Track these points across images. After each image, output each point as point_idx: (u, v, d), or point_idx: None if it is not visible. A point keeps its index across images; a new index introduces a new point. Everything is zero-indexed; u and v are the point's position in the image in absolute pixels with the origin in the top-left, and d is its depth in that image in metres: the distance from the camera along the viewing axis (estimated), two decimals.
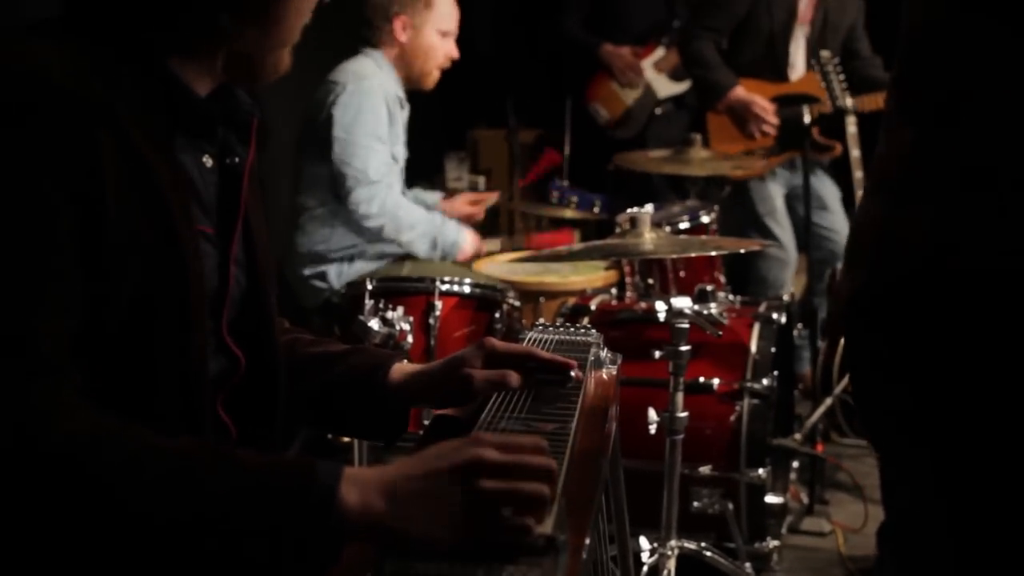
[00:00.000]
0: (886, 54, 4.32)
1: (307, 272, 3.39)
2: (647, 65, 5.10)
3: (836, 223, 4.32)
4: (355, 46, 3.47)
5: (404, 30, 3.39)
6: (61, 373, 1.09)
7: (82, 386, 1.11)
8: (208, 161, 1.31)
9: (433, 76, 3.50)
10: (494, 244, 3.85)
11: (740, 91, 4.10)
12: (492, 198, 3.80)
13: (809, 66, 4.20)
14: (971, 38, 1.31)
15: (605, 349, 1.63)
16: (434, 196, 3.78)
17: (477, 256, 3.54)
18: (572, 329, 1.70)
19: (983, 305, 1.28)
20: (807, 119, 3.90)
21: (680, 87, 5.07)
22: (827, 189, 4.34)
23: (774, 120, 4.07)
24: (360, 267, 3.37)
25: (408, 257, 3.40)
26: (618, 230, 3.13)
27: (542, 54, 5.76)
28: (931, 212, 1.32)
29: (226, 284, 1.32)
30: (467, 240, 3.45)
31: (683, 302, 2.30)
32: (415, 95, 3.56)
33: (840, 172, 4.08)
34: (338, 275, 3.36)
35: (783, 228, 4.27)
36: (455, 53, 3.50)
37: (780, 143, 4.17)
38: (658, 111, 5.17)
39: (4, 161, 1.09)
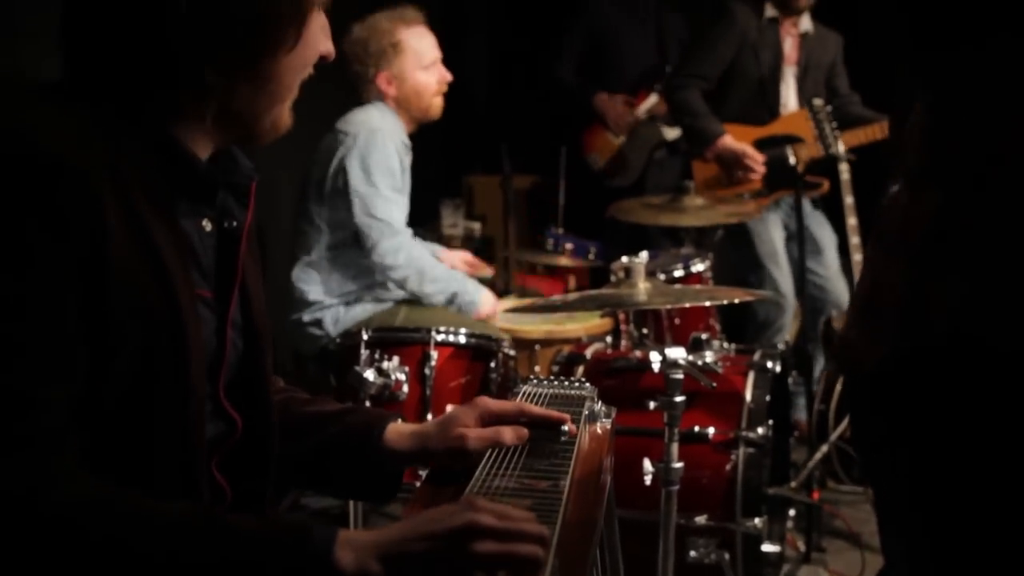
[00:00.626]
0: (861, 91, 4.42)
1: (304, 319, 3.40)
2: (641, 112, 5.14)
3: (831, 269, 4.36)
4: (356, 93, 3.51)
5: (389, 84, 3.42)
6: (61, 441, 1.10)
7: (81, 450, 1.12)
8: (207, 225, 1.32)
9: (435, 106, 3.52)
10: (487, 270, 3.83)
11: (728, 139, 4.17)
12: (486, 272, 3.80)
13: (801, 106, 4.26)
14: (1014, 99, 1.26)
15: (599, 402, 1.64)
16: (432, 247, 3.79)
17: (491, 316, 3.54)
18: (566, 383, 1.70)
19: (1009, 387, 1.24)
20: (791, 160, 3.95)
21: (674, 133, 5.11)
22: (824, 233, 4.38)
23: (762, 169, 4.13)
24: (356, 313, 3.38)
25: (404, 303, 3.42)
26: (613, 278, 3.15)
27: (537, 100, 5.81)
28: (962, 286, 1.26)
29: (223, 348, 1.33)
30: (485, 301, 3.45)
31: (677, 352, 2.30)
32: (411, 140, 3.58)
33: (836, 216, 4.11)
34: (334, 321, 3.37)
35: (782, 271, 4.30)
36: (447, 76, 3.52)
37: (768, 184, 4.22)
38: (657, 155, 5.20)
39: (8, 226, 1.10)
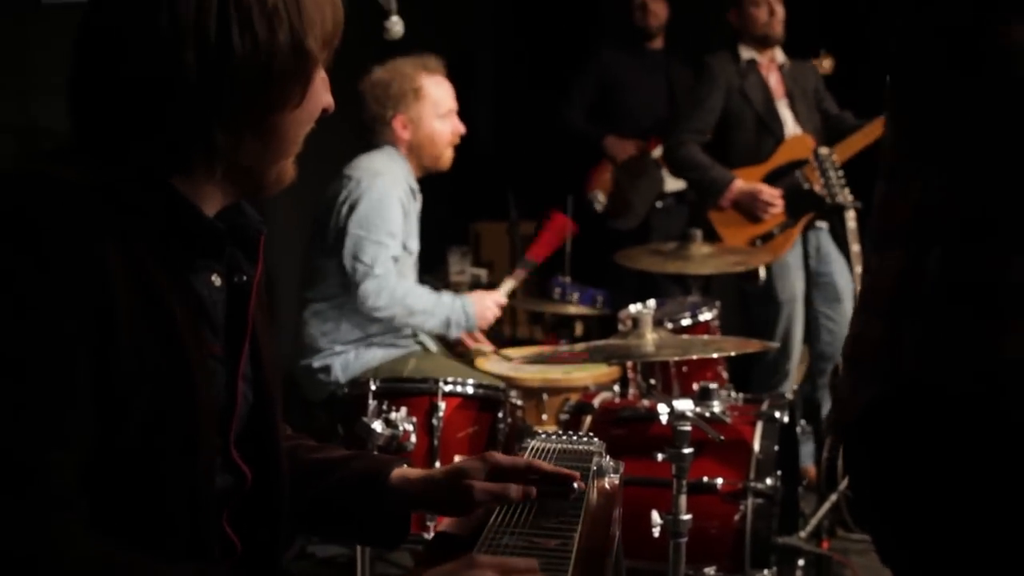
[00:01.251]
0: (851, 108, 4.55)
1: (313, 364, 3.41)
2: (649, 159, 5.16)
3: (845, 318, 4.37)
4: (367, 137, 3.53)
5: (404, 128, 3.46)
6: (69, 505, 1.10)
7: (89, 509, 1.12)
8: (217, 280, 1.33)
9: (446, 156, 3.55)
10: (509, 284, 3.81)
11: (740, 183, 4.23)
12: (487, 347, 3.80)
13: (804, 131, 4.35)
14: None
15: (607, 457, 1.64)
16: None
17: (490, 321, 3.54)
18: (574, 437, 1.70)
19: (965, 429, 1.31)
20: (805, 184, 4.02)
21: (681, 183, 5.13)
22: (844, 283, 4.41)
23: (780, 201, 4.18)
24: (366, 360, 3.39)
25: (414, 353, 3.42)
26: (621, 327, 3.16)
27: (545, 144, 5.84)
28: (919, 330, 1.36)
29: (234, 401, 1.34)
30: (481, 313, 3.47)
31: (685, 404, 2.31)
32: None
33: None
34: (343, 368, 3.38)
35: (797, 316, 4.34)
36: (461, 128, 3.55)
37: (792, 214, 4.25)
38: (659, 204, 5.22)
39: (14, 285, 1.11)
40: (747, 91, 4.36)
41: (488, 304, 3.52)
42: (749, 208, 4.27)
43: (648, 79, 5.21)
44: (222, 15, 1.20)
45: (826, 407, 4.09)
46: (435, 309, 3.38)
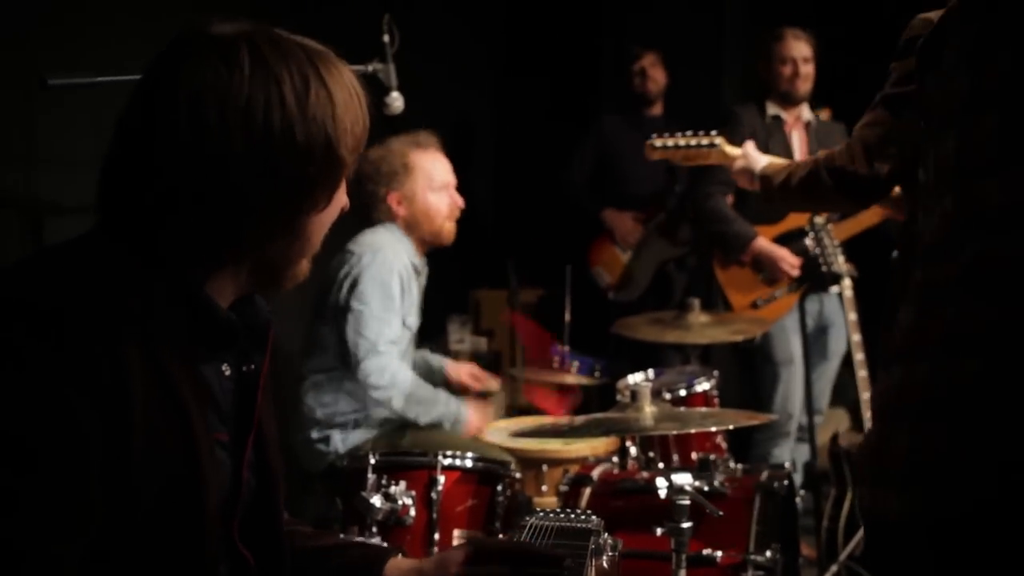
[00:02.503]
0: None
1: (312, 435, 3.41)
2: (649, 229, 5.19)
3: (823, 379, 4.43)
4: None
5: (399, 204, 3.49)
6: None
7: None
8: (227, 370, 1.35)
9: (447, 230, 3.57)
10: (493, 384, 3.83)
11: (762, 241, 4.30)
12: (493, 386, 3.82)
13: None
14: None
15: (605, 534, 1.64)
16: (439, 360, 3.82)
17: (480, 431, 3.55)
18: (572, 515, 1.71)
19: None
20: (812, 251, 4.06)
21: (679, 251, 5.16)
22: (837, 344, 4.44)
23: (797, 268, 4.22)
24: (364, 432, 3.39)
25: (412, 424, 3.42)
26: (619, 397, 3.17)
27: (545, 210, 5.88)
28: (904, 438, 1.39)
29: (238, 489, 1.35)
30: (471, 420, 3.47)
31: (683, 478, 2.31)
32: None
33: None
34: (343, 440, 3.38)
35: (796, 380, 4.36)
36: (460, 201, 3.58)
37: (799, 279, 4.28)
38: (662, 270, 5.25)
39: (27, 375, 1.12)
40: (769, 148, 4.35)
41: (482, 416, 3.53)
42: (767, 268, 4.31)
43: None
44: (267, 119, 1.24)
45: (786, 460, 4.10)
46: (433, 405, 3.39)
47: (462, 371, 3.80)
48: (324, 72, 1.29)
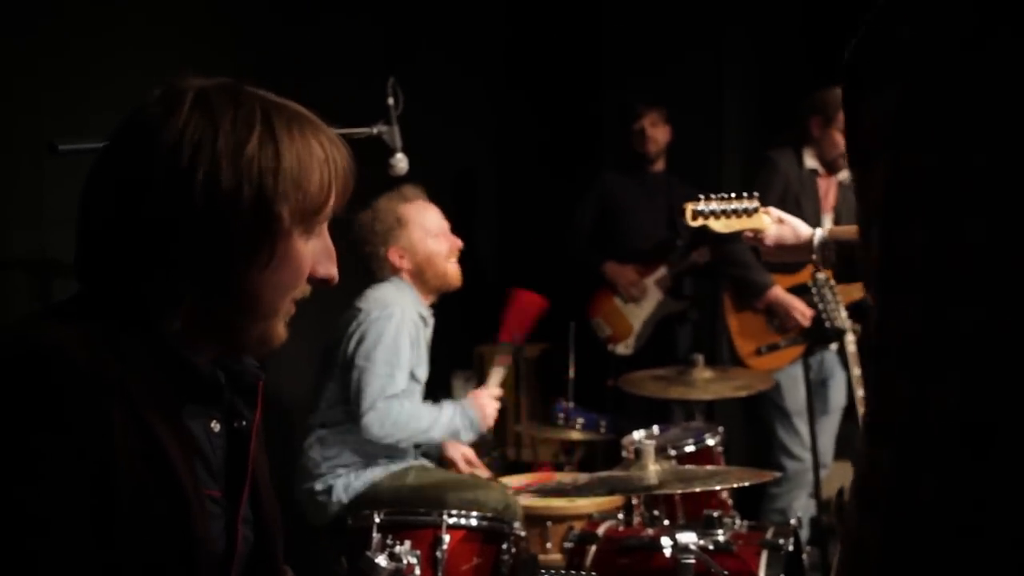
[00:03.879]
0: None
1: (315, 487, 3.43)
2: (650, 283, 5.21)
3: (826, 434, 4.43)
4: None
5: (402, 257, 3.54)
6: None
7: None
8: (216, 426, 1.36)
9: (451, 272, 3.62)
10: (497, 375, 3.82)
11: (778, 290, 4.31)
12: (484, 474, 3.83)
13: None
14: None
15: None
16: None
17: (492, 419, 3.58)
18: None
19: None
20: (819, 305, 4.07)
21: (681, 305, 5.17)
22: (838, 396, 4.46)
23: (808, 320, 4.24)
24: (366, 479, 3.41)
25: (414, 467, 3.45)
26: (624, 454, 3.17)
27: (548, 266, 5.90)
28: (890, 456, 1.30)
29: (234, 544, 1.36)
30: (481, 418, 3.51)
31: (688, 537, 2.32)
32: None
33: None
34: (345, 488, 3.40)
35: (806, 427, 4.35)
36: (458, 242, 3.63)
37: (805, 333, 4.29)
38: (664, 325, 5.26)
39: (23, 438, 1.15)
40: (800, 198, 4.35)
41: (485, 402, 3.56)
42: (779, 316, 4.33)
43: (649, 202, 5.25)
44: (193, 161, 1.23)
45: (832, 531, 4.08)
46: (438, 423, 3.43)
47: (457, 453, 3.83)
48: (280, 129, 1.28)
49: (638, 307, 5.24)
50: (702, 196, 2.67)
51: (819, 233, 2.46)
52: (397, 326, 3.41)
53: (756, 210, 2.61)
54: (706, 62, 5.79)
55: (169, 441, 1.24)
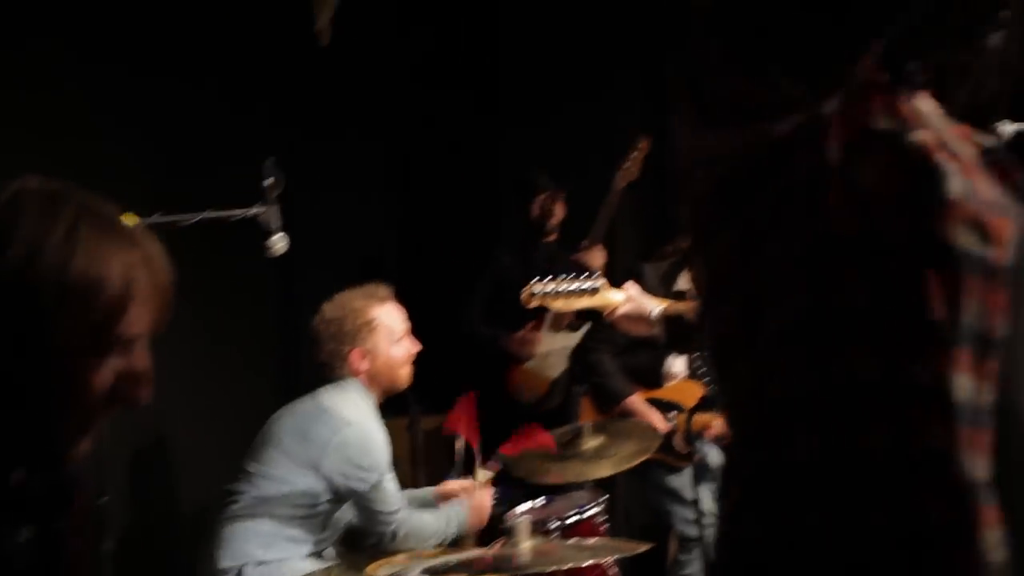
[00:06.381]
0: None
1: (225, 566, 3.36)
2: (543, 332, 5.24)
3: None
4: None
5: (363, 359, 3.55)
6: None
7: None
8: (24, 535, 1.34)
9: (404, 375, 3.67)
10: (486, 476, 3.84)
11: (635, 400, 4.48)
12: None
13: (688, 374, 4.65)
14: None
15: None
16: (427, 491, 3.93)
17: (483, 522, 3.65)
18: None
19: None
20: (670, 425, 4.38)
21: (578, 335, 5.20)
22: None
23: (661, 434, 4.31)
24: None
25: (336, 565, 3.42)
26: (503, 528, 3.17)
27: (445, 343, 5.90)
28: None
29: None
30: (471, 519, 3.58)
31: None
32: None
33: None
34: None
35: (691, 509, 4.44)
36: (416, 347, 3.67)
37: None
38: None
39: None
40: None
41: (483, 505, 3.64)
42: None
43: (543, 270, 5.32)
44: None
45: None
46: (445, 531, 3.52)
47: (455, 485, 3.88)
48: (83, 239, 1.28)
49: (544, 360, 5.27)
50: (539, 278, 2.81)
51: (657, 309, 2.62)
52: (378, 433, 3.49)
53: (596, 290, 2.72)
54: (603, 131, 5.90)
55: None
